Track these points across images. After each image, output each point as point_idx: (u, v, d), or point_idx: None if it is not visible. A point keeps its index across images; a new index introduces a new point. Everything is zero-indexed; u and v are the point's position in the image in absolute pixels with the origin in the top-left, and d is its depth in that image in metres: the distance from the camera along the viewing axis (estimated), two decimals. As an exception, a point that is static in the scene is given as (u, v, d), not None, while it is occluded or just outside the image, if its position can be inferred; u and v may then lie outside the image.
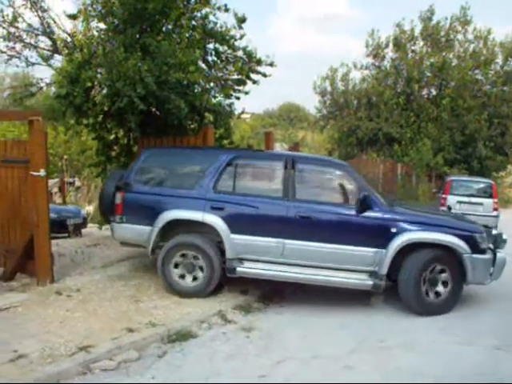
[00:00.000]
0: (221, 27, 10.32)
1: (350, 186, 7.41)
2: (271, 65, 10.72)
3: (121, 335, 5.85)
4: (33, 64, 10.84)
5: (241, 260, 7.33)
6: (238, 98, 10.77)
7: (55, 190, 21.61)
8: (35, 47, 10.69)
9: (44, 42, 10.68)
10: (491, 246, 7.51)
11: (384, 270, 7.01)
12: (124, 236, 7.90)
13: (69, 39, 10.22)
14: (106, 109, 8.96)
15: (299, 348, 5.91)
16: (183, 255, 7.38)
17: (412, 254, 7.07)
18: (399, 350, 5.90)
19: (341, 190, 7.56)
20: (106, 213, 8.16)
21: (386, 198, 8.06)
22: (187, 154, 8.36)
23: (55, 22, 10.44)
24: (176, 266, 7.39)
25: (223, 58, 10.59)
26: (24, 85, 11.64)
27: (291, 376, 5.21)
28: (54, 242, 8.22)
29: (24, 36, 10.56)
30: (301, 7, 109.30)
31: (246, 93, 10.83)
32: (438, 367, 5.47)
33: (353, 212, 7.14)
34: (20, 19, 10.38)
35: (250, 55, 10.46)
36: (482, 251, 7.15)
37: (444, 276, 7.12)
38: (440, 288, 7.14)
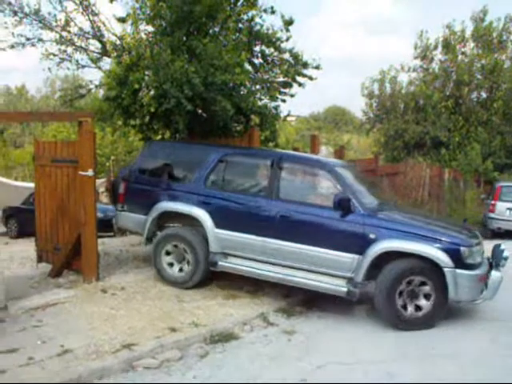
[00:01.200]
0: (267, 29, 10.34)
1: (332, 188, 7.08)
2: (317, 68, 10.68)
3: (164, 334, 5.91)
4: (83, 66, 11.11)
5: (225, 255, 7.46)
6: (283, 101, 10.75)
7: (102, 189, 22.08)
8: (85, 50, 10.96)
9: (94, 45, 10.96)
10: (489, 262, 7.05)
11: (359, 278, 6.70)
12: (125, 224, 8.47)
13: (118, 42, 10.41)
14: (153, 110, 9.07)
15: (341, 353, 5.83)
16: (175, 246, 7.75)
17: (388, 264, 6.64)
18: (445, 360, 5.72)
19: (322, 191, 7.30)
20: (114, 202, 8.65)
21: (382, 201, 7.69)
22: (187, 148, 8.59)
23: (105, 26, 10.68)
24: (168, 253, 7.79)
25: (269, 61, 10.61)
26: (74, 87, 11.93)
27: (332, 381, 5.14)
28: (99, 240, 8.37)
29: (75, 39, 10.84)
30: (346, 9, 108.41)
31: (292, 95, 10.81)
32: (482, 375, 5.30)
33: (331, 214, 6.88)
34: (72, 23, 10.67)
35: (296, 58, 10.44)
36: (468, 266, 6.47)
37: (426, 289, 6.60)
38: (421, 301, 6.63)
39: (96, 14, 10.68)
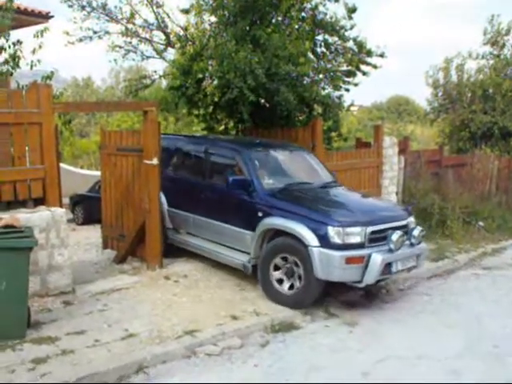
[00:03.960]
0: (331, 18, 10.22)
1: (242, 170, 7.55)
2: (382, 56, 10.48)
3: (225, 322, 5.98)
4: (148, 57, 11.33)
5: (177, 231, 8.38)
6: (347, 90, 10.62)
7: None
8: (150, 41, 11.16)
9: (158, 37, 11.16)
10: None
11: (252, 253, 7.11)
12: None
13: (182, 33, 10.56)
14: (216, 100, 9.16)
15: (403, 347, 5.73)
16: None
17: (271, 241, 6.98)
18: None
19: (236, 172, 7.68)
20: None
21: (292, 183, 7.62)
22: (166, 139, 8.92)
23: (169, 17, 10.86)
24: None
25: (332, 50, 10.49)
26: (138, 77, 12.16)
27: (394, 376, 5.05)
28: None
29: (140, 31, 11.06)
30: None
31: (356, 84, 10.65)
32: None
33: (235, 194, 7.39)
34: (137, 16, 10.88)
35: (360, 46, 10.27)
36: (336, 246, 6.28)
37: (298, 268, 6.62)
38: (296, 281, 6.66)
39: (160, 6, 10.86)
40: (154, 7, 10.85)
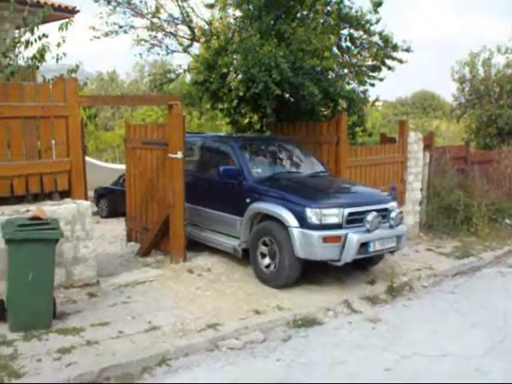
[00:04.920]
0: (356, 12, 10.11)
1: (233, 160, 8.03)
2: (408, 50, 10.35)
3: (248, 316, 5.99)
4: (172, 52, 11.36)
5: (191, 224, 8.52)
6: (372, 85, 10.51)
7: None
8: (175, 36, 11.18)
9: (183, 31, 11.15)
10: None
11: (242, 237, 7.64)
12: None
13: (206, 27, 10.55)
14: (241, 94, 9.14)
15: (427, 344, 5.67)
16: None
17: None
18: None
19: (229, 164, 8.06)
20: None
21: (279, 172, 8.15)
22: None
23: (194, 12, 10.83)
24: None
25: (358, 44, 10.39)
26: (163, 72, 12.20)
27: (418, 373, 5.01)
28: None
29: (165, 25, 11.07)
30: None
31: (381, 79, 10.54)
32: None
33: (227, 183, 7.87)
34: (162, 10, 10.90)
35: (386, 40, 10.15)
36: (314, 227, 6.71)
37: (276, 247, 7.06)
38: (275, 260, 7.06)
39: (185, 1, 10.85)
40: (179, 1, 10.87)
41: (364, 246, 6.90)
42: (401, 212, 7.53)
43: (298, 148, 8.98)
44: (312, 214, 6.75)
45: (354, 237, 6.75)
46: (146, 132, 8.58)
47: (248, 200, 7.51)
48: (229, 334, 5.57)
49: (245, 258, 7.69)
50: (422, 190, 11.12)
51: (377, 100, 11.45)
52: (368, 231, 6.94)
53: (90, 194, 10.37)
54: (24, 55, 7.57)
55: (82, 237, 6.61)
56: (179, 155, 7.64)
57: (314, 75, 8.98)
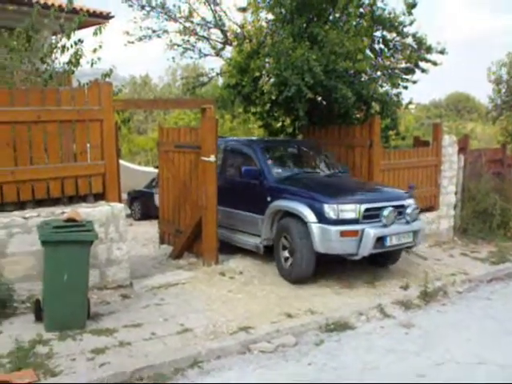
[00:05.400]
0: (389, 13, 10.01)
1: (255, 162, 8.28)
2: (442, 52, 10.19)
3: (279, 320, 5.97)
4: (205, 55, 11.43)
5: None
6: (405, 88, 10.38)
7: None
8: (208, 39, 11.26)
9: (216, 35, 11.23)
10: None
11: (263, 235, 7.89)
12: None
13: (239, 31, 10.60)
14: (273, 97, 9.16)
15: (462, 351, 5.55)
16: None
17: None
18: None
19: (251, 165, 8.29)
20: None
21: (298, 172, 8.47)
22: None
23: (226, 15, 10.92)
24: None
25: (391, 46, 10.26)
26: (196, 75, 12.29)
27: (452, 380, 4.90)
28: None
29: (198, 29, 11.17)
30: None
31: (415, 82, 10.40)
32: None
33: (249, 184, 8.10)
34: (195, 14, 11.00)
35: (419, 42, 10.01)
36: (332, 222, 6.97)
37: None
38: (295, 255, 7.24)
39: (218, 4, 10.94)
40: (212, 5, 10.95)
41: (381, 240, 7.10)
42: (417, 208, 7.72)
43: (318, 150, 9.32)
44: (330, 210, 7.00)
45: (371, 231, 6.97)
46: (178, 135, 8.65)
47: (269, 199, 7.78)
48: (260, 337, 5.56)
49: (267, 255, 7.94)
50: (456, 193, 10.96)
51: (410, 103, 11.31)
52: (384, 226, 7.15)
53: (124, 196, 10.50)
54: (60, 60, 7.71)
55: (115, 239, 6.70)
56: (212, 158, 7.68)
57: (347, 78, 8.94)
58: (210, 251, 7.94)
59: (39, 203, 6.45)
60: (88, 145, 6.77)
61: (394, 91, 10.34)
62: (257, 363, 5.16)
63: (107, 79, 7.76)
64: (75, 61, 7.71)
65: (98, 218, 6.47)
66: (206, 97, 11.33)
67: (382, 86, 10.19)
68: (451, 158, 10.77)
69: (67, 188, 6.61)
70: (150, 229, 10.91)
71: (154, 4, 10.90)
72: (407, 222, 7.48)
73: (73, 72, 7.88)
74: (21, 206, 6.34)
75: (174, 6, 11.00)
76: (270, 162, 8.29)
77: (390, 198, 7.56)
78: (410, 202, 7.70)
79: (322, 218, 7.01)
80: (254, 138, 11.43)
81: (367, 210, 7.12)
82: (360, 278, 7.51)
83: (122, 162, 9.87)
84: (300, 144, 9.64)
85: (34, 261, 6.05)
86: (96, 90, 6.71)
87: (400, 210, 7.42)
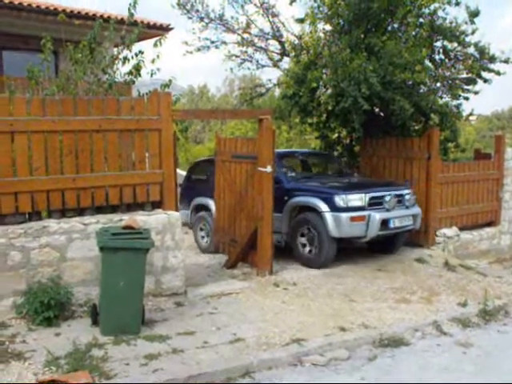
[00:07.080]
0: (450, 23, 9.82)
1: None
2: (506, 62, 9.90)
3: (333, 333, 5.90)
4: (263, 66, 11.52)
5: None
6: (466, 99, 10.15)
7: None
8: (265, 50, 11.35)
9: (273, 46, 11.31)
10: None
11: (284, 229, 8.82)
12: None
13: (296, 41, 10.63)
14: (330, 108, 9.14)
15: (524, 373, 5.34)
16: None
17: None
18: None
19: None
20: None
21: (311, 174, 10.34)
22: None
23: (284, 26, 10.97)
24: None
25: (451, 56, 10.07)
26: (253, 86, 12.38)
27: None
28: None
29: (256, 40, 11.29)
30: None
31: (476, 92, 10.14)
32: None
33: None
34: (252, 25, 11.12)
35: (482, 51, 9.77)
36: (342, 210, 8.11)
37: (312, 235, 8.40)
38: (312, 246, 8.45)
39: (275, 16, 11.02)
40: (270, 17, 11.04)
41: (386, 223, 8.30)
42: (414, 194, 8.94)
43: (329, 156, 11.01)
44: (339, 200, 8.18)
45: (377, 215, 8.20)
46: (235, 145, 8.72)
47: (286, 198, 8.73)
48: (313, 349, 5.50)
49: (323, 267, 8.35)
50: (518, 208, 10.60)
51: (471, 114, 11.05)
52: (387, 210, 8.39)
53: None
54: (121, 71, 7.92)
55: (171, 247, 6.79)
56: (269, 169, 7.69)
57: (405, 89, 8.80)
58: (265, 261, 7.93)
59: (98, 210, 6.60)
60: (147, 154, 6.90)
61: (454, 102, 10.13)
62: (308, 375, 5.11)
63: (166, 89, 7.89)
64: (136, 72, 7.89)
65: (155, 226, 6.57)
66: (264, 107, 11.39)
67: (441, 98, 10.00)
68: (514, 171, 10.44)
69: (125, 195, 6.74)
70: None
71: (212, 16, 11.09)
72: (407, 207, 8.71)
73: (133, 82, 8.07)
74: (80, 212, 6.50)
75: (232, 17, 11.18)
76: (285, 168, 9.35)
77: (390, 188, 8.75)
78: (407, 191, 8.84)
79: (333, 208, 8.15)
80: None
81: (372, 198, 8.33)
82: (416, 294, 7.34)
83: (179, 171, 10.01)
84: (312, 153, 11.35)
85: (92, 266, 6.21)
86: (155, 99, 6.84)
87: (399, 199, 8.63)
